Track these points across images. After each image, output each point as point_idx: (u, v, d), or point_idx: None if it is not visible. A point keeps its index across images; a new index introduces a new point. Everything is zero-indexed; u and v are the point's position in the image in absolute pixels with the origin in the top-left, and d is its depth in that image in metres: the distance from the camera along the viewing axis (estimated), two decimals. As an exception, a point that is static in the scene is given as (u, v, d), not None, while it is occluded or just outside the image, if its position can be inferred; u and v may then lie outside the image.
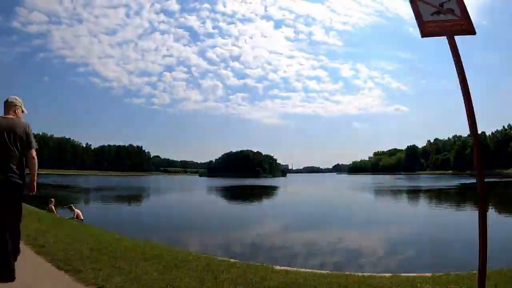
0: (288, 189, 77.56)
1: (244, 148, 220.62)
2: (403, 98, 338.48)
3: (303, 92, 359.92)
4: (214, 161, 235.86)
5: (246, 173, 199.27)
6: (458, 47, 3.03)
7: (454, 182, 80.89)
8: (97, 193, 53.29)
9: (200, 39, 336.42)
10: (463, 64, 3.05)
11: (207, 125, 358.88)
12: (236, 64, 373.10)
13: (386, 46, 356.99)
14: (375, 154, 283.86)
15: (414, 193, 54.27)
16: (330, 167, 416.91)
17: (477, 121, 3.19)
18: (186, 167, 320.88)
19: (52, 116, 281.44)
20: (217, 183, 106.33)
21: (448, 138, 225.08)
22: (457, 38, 3.21)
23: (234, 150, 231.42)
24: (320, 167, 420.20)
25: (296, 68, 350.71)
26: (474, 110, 3.08)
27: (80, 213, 18.52)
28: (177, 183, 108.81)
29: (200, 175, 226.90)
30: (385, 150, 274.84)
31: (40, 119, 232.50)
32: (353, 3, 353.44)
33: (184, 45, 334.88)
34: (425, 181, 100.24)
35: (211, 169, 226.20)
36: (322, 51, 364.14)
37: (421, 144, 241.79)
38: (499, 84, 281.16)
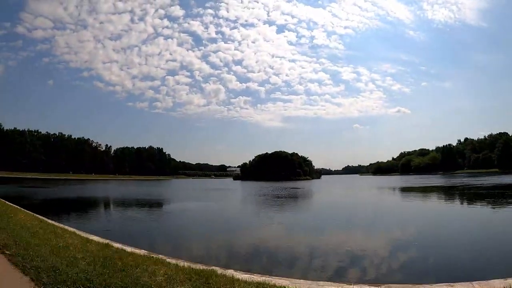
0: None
1: (253, 151, 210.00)
2: (405, 100, 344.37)
3: (304, 95, 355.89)
4: (247, 163, 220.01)
5: (285, 175, 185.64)
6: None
7: None
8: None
9: (203, 44, 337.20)
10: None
11: (210, 128, 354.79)
12: (238, 68, 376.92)
13: (387, 49, 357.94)
14: (402, 154, 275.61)
15: None
16: (340, 168, 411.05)
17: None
18: (201, 169, 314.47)
19: (56, 119, 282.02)
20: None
21: (484, 137, 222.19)
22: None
23: (237, 153, 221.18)
24: (331, 168, 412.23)
25: (298, 71, 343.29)
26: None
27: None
28: (242, 190, 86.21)
29: (234, 178, 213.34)
30: (410, 151, 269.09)
31: (46, 122, 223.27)
32: (354, 7, 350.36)
33: (188, 49, 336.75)
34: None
35: (245, 172, 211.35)
36: (324, 55, 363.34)
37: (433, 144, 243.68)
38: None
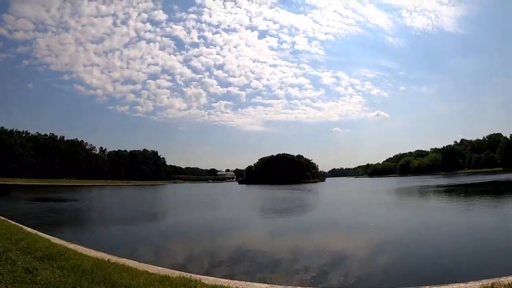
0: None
1: (236, 155, 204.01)
2: (384, 104, 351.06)
3: (285, 99, 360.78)
4: (252, 166, 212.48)
5: (293, 178, 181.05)
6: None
7: None
8: None
9: (185, 48, 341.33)
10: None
11: (191, 132, 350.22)
12: (220, 73, 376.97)
13: (367, 54, 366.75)
14: (397, 156, 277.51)
15: None
16: (326, 171, 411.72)
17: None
18: (192, 173, 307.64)
19: (36, 122, 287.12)
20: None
21: (484, 138, 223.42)
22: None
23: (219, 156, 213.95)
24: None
25: (279, 76, 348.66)
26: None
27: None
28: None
29: (240, 183, 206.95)
30: (406, 152, 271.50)
31: (26, 125, 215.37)
32: (335, 14, 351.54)
33: (170, 54, 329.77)
34: None
35: (250, 175, 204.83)
36: (305, 60, 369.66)
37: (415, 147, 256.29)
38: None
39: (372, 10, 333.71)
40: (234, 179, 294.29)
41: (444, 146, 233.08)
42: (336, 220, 30.11)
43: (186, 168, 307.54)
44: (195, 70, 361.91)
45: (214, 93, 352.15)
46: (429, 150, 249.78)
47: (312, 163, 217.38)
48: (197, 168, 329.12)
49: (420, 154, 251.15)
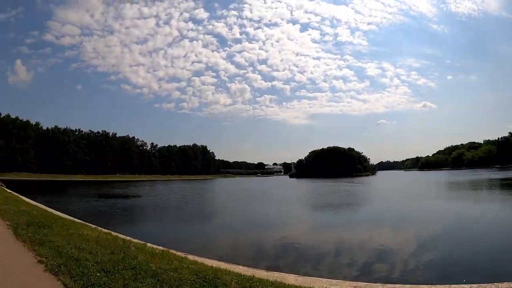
0: None
1: (282, 148, 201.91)
2: (431, 94, 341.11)
3: (330, 92, 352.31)
4: (303, 159, 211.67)
5: (345, 171, 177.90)
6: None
7: None
8: None
9: (228, 45, 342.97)
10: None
11: (236, 127, 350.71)
12: (263, 67, 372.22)
13: (411, 43, 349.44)
14: (449, 148, 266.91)
15: None
16: (374, 163, 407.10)
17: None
18: (240, 167, 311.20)
19: (86, 123, 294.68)
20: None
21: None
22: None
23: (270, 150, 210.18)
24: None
25: (322, 68, 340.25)
26: None
27: None
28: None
29: (290, 176, 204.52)
30: (457, 144, 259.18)
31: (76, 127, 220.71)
32: (377, 3, 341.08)
33: (213, 50, 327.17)
34: None
35: (300, 168, 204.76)
36: (348, 51, 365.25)
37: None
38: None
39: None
40: (282, 173, 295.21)
41: (498, 138, 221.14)
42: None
43: (234, 162, 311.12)
44: (238, 66, 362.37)
45: (258, 87, 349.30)
46: (482, 142, 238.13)
47: (363, 156, 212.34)
48: (245, 162, 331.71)
49: (473, 146, 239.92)
